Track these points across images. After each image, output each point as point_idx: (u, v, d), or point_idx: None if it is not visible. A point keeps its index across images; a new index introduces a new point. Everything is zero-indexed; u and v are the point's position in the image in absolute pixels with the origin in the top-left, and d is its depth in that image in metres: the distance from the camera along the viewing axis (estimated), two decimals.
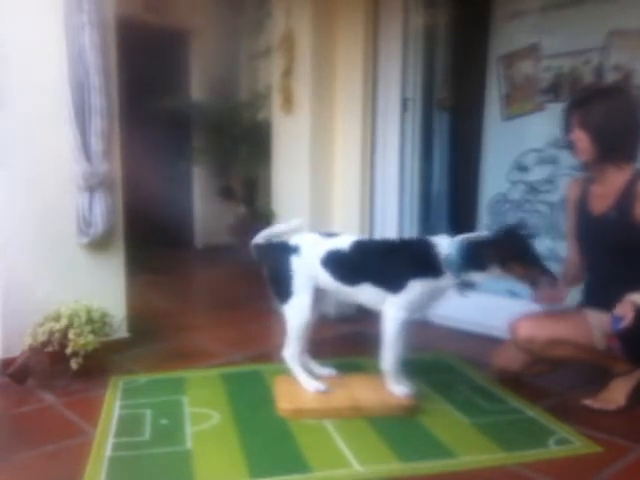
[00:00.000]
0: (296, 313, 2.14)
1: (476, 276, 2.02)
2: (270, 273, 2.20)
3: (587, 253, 2.27)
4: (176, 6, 5.34)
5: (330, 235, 2.22)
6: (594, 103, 2.11)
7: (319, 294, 2.18)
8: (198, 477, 1.69)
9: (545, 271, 2.00)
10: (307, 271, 2.13)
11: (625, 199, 2.08)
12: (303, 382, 2.20)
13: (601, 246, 2.18)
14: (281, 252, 2.18)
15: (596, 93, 2.28)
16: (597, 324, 2.08)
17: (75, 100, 2.46)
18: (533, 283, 2.02)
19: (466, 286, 2.03)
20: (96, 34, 2.45)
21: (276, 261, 2.18)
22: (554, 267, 2.25)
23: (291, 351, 2.20)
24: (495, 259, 1.97)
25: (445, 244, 2.01)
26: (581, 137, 2.11)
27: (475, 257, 1.98)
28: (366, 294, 2.11)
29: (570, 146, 2.19)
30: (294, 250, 2.15)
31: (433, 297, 2.08)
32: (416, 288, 2.02)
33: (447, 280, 2.02)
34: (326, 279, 2.13)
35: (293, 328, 2.16)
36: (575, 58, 2.98)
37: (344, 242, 2.14)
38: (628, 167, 2.11)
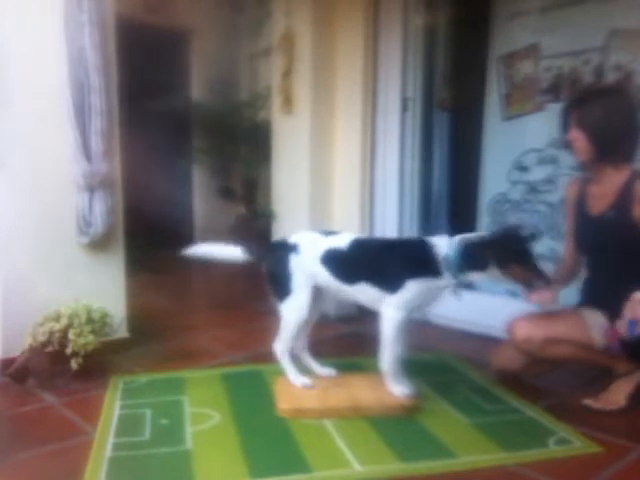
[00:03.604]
0: (293, 311, 2.15)
1: (475, 276, 2.03)
2: (269, 272, 2.21)
3: (586, 253, 2.27)
4: (176, 6, 5.34)
5: (329, 233, 2.22)
6: (592, 103, 2.11)
7: (318, 293, 2.19)
8: (198, 477, 1.69)
9: (541, 274, 2.00)
10: (306, 270, 2.13)
11: (623, 199, 2.08)
12: (291, 377, 2.22)
13: (599, 246, 2.18)
14: (280, 251, 2.18)
15: (594, 93, 2.28)
16: (595, 323, 2.08)
17: (75, 100, 2.46)
18: (528, 285, 2.01)
19: (463, 286, 2.03)
20: (96, 34, 2.45)
21: (275, 260, 2.18)
22: (551, 267, 2.26)
23: (282, 346, 2.21)
24: (494, 260, 1.97)
25: (444, 244, 2.02)
26: (578, 137, 2.11)
27: (474, 258, 1.98)
28: (364, 293, 2.11)
29: (568, 146, 2.19)
30: (293, 249, 2.15)
31: (431, 297, 2.08)
32: (414, 288, 2.02)
33: (445, 280, 2.02)
34: (325, 277, 2.13)
35: (289, 325, 2.16)
36: (575, 58, 2.98)
37: (343, 240, 2.14)
38: (626, 167, 2.11)
